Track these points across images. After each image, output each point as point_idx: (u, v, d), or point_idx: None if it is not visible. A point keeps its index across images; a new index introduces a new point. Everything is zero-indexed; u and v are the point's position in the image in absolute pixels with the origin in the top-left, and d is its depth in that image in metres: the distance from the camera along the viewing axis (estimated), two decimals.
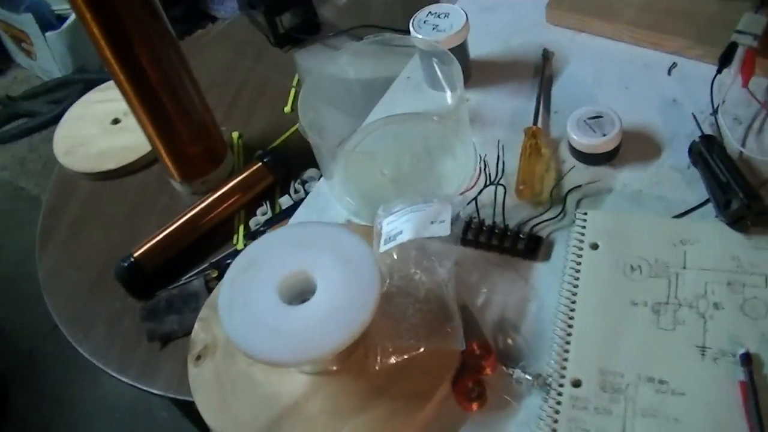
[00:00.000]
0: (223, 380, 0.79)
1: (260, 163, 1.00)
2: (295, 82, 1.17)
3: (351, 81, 1.02)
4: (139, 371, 0.88)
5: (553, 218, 0.85)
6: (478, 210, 0.86)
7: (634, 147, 0.89)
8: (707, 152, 0.84)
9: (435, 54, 0.96)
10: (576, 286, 0.78)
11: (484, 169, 0.89)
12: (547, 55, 1.01)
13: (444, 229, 0.80)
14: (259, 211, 0.98)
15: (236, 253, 0.94)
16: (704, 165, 0.84)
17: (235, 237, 0.97)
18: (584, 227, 0.83)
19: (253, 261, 0.75)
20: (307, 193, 0.98)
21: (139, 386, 0.88)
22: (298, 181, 1.00)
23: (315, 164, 0.96)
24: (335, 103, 0.98)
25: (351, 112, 1.01)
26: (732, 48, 0.90)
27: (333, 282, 0.72)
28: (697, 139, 0.86)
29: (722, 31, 0.94)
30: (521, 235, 0.83)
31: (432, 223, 0.80)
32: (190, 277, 0.94)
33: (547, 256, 0.83)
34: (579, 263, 0.80)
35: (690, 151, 0.86)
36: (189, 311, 0.90)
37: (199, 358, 0.80)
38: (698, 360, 0.72)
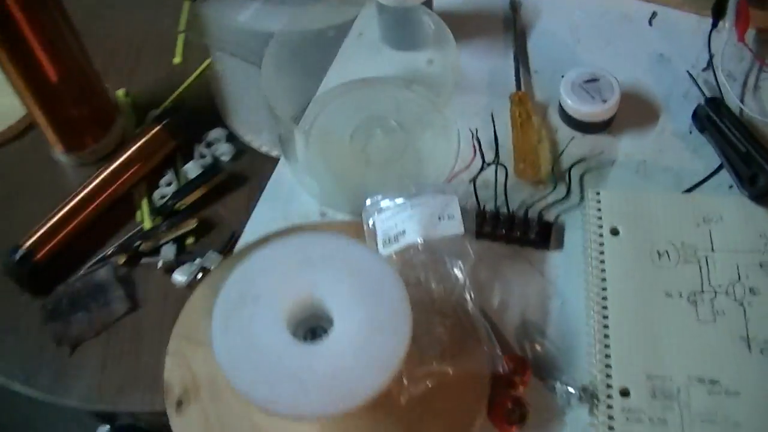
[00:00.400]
0: (216, 428, 0.66)
1: (159, 126, 0.85)
2: (182, 26, 1.01)
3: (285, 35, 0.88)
4: (49, 383, 0.73)
5: (561, 199, 0.76)
6: (477, 196, 0.76)
7: (630, 111, 0.81)
8: (717, 118, 0.77)
9: (401, 8, 0.83)
10: (604, 280, 0.71)
11: (479, 147, 0.79)
12: (515, 6, 0.90)
13: (456, 226, 0.69)
14: (162, 182, 0.84)
15: (144, 233, 0.80)
16: (716, 132, 0.77)
17: (138, 213, 0.82)
18: (600, 210, 0.75)
19: (248, 291, 0.61)
20: (214, 157, 0.84)
21: (51, 400, 0.73)
22: (203, 143, 0.86)
23: (220, 123, 0.83)
24: (285, 66, 0.84)
25: (296, 75, 0.87)
26: None
27: (352, 309, 0.61)
28: (703, 103, 0.79)
29: None
30: (530, 222, 0.74)
31: (440, 218, 0.70)
32: (94, 265, 0.79)
33: (559, 244, 0.74)
34: (602, 252, 0.72)
35: (694, 116, 0.80)
36: (98, 307, 0.76)
37: (180, 404, 0.66)
38: (746, 353, 0.67)
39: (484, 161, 0.78)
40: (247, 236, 0.78)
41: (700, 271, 0.71)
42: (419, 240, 0.68)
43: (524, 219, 0.74)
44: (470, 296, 0.68)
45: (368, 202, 0.72)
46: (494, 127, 0.80)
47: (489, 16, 0.91)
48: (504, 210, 0.75)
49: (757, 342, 0.67)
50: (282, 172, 0.82)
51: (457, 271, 0.68)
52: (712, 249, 0.72)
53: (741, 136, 0.75)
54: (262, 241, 0.74)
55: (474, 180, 0.77)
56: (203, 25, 0.99)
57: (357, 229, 0.73)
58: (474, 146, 0.79)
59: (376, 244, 0.70)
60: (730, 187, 0.76)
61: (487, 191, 0.76)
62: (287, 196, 0.80)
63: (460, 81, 0.83)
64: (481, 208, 0.75)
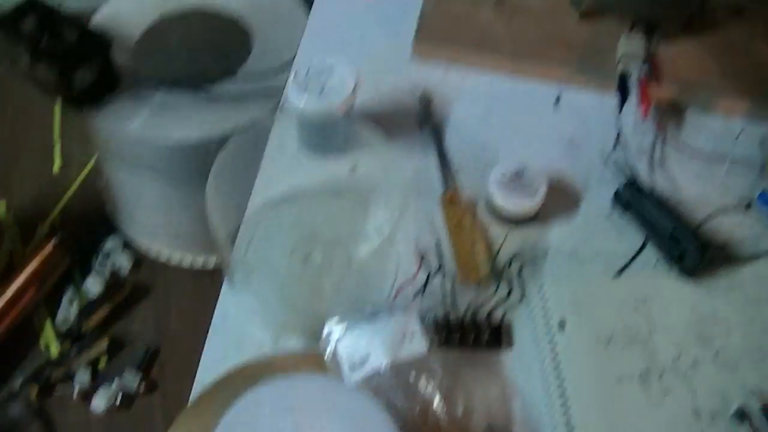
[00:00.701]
0: None
1: (51, 245, 0.82)
2: (56, 134, 0.98)
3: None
4: None
5: (505, 298, 0.79)
6: (427, 307, 0.77)
7: (553, 198, 0.84)
8: (636, 199, 0.82)
9: (324, 119, 0.84)
10: (560, 373, 0.73)
11: (421, 258, 0.80)
12: (427, 101, 0.92)
13: (420, 345, 0.70)
14: (63, 302, 0.82)
15: (53, 361, 0.77)
16: (637, 213, 0.82)
17: (42, 341, 0.80)
18: (545, 305, 0.78)
19: None
20: (113, 271, 0.83)
21: None
22: (100, 255, 0.84)
23: (114, 230, 0.82)
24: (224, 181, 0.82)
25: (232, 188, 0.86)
26: (624, 78, 0.89)
27: None
28: (620, 187, 0.84)
29: (600, 56, 0.93)
30: (480, 325, 0.76)
31: (403, 337, 0.71)
32: (2, 402, 0.76)
33: (511, 342, 0.77)
34: (554, 347, 0.75)
35: (615, 199, 0.84)
36: None
37: None
38: (698, 424, 0.72)
39: (429, 272, 0.79)
40: (203, 374, 0.76)
41: (645, 351, 0.75)
42: (385, 362, 0.69)
43: (474, 322, 0.76)
44: (443, 411, 0.69)
45: (326, 329, 0.73)
46: (431, 232, 0.82)
47: (405, 116, 0.93)
48: (455, 316, 0.77)
49: (706, 411, 0.72)
50: (227, 299, 0.81)
51: (425, 388, 0.70)
52: (653, 329, 0.76)
53: (662, 215, 0.80)
54: (228, 383, 0.73)
55: (422, 290, 0.78)
56: (86, 135, 0.96)
57: (317, 359, 0.72)
58: (416, 256, 0.80)
59: (341, 371, 0.70)
60: (657, 260, 0.81)
61: (434, 299, 0.78)
62: (236, 326, 0.79)
63: (386, 186, 0.84)
64: (434, 318, 0.76)
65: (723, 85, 0.93)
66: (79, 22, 1.06)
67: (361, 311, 0.73)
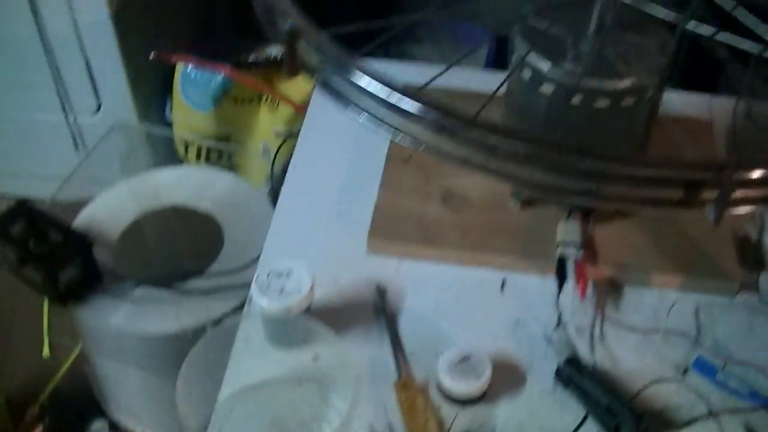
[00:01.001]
0: None
1: (41, 427, 0.88)
2: (45, 326, 1.06)
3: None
4: None
5: None
6: None
7: (500, 378, 0.90)
8: (576, 376, 0.88)
9: (284, 317, 0.92)
10: None
11: None
12: (381, 293, 1.00)
13: None
14: None
15: None
16: (577, 389, 0.88)
17: None
18: None
19: None
20: None
21: None
22: None
23: (100, 412, 0.87)
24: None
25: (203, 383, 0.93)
26: (563, 262, 0.97)
27: None
28: (561, 364, 0.90)
29: (541, 241, 1.01)
30: None
31: None
32: None
33: None
34: None
35: (556, 376, 0.90)
36: None
37: None
38: None
39: None
40: None
41: None
42: None
43: None
44: None
45: None
46: (386, 415, 0.88)
47: (362, 307, 1.00)
48: None
49: None
50: None
51: None
52: None
53: (600, 390, 0.86)
54: None
55: None
56: (73, 326, 1.04)
57: None
58: None
59: None
60: None
61: None
62: None
63: (345, 373, 0.90)
64: None
65: (656, 261, 1.01)
66: (64, 224, 1.17)
67: None
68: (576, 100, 0.90)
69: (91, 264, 1.16)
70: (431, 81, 0.77)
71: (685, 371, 0.92)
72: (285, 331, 0.94)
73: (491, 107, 0.73)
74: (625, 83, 0.89)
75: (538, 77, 0.91)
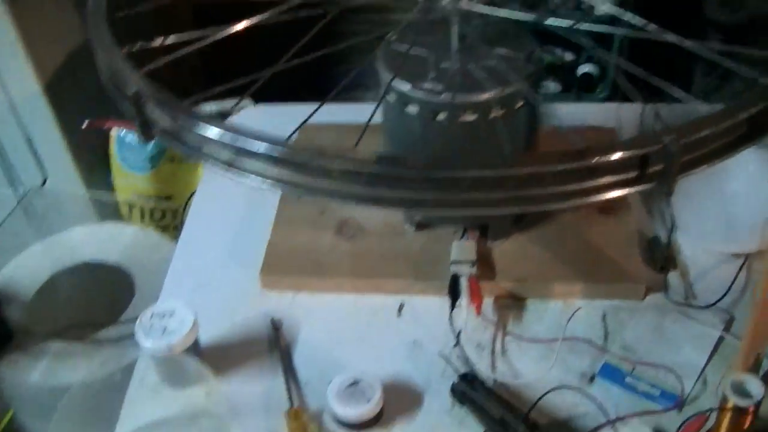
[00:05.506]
0: None
1: None
2: None
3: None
4: None
5: None
6: None
7: (396, 400, 0.87)
8: (470, 391, 0.85)
9: (168, 355, 0.88)
10: None
11: None
12: (276, 326, 0.97)
13: None
14: None
15: None
16: (472, 404, 0.84)
17: None
18: None
19: None
20: None
21: None
22: None
23: None
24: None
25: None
26: (456, 280, 0.94)
27: None
28: (456, 380, 0.86)
29: (437, 263, 0.98)
30: None
31: None
32: None
33: None
34: None
35: (452, 392, 0.87)
36: None
37: None
38: None
39: None
40: None
41: None
42: None
43: None
44: None
45: None
46: None
47: (257, 342, 0.97)
48: None
49: None
50: None
51: None
52: None
53: (493, 403, 0.83)
54: None
55: None
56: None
57: None
58: None
59: None
60: None
61: None
62: None
63: (238, 407, 0.89)
64: None
65: (559, 272, 0.98)
66: None
67: None
68: (441, 116, 0.88)
69: (1, 323, 1.17)
70: (304, 122, 0.74)
71: (592, 378, 0.89)
72: (174, 369, 0.91)
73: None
74: (488, 95, 0.87)
75: (402, 99, 0.89)
